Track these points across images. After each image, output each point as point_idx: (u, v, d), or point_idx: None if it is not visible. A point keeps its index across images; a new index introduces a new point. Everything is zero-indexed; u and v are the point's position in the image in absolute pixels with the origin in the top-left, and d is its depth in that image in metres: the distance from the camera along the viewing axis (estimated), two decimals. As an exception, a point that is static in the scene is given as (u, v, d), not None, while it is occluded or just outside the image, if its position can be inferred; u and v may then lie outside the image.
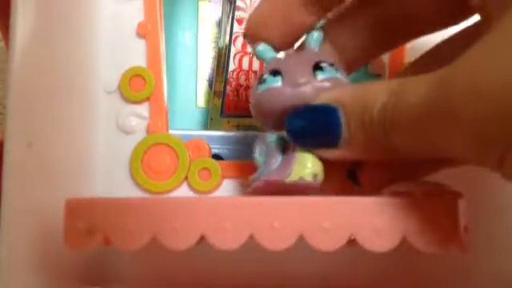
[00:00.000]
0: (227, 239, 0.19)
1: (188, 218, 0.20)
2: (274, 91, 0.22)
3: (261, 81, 0.23)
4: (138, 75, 0.30)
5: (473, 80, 0.15)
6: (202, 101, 0.35)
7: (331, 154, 0.21)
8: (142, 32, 0.31)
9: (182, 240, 0.20)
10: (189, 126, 0.35)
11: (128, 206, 0.21)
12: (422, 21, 0.24)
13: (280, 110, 0.22)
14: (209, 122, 0.34)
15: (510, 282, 0.27)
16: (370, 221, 0.19)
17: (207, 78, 0.35)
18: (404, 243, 0.19)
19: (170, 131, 0.30)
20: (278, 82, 0.22)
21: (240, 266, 0.27)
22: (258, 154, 0.24)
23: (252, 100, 0.23)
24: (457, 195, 0.20)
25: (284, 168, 0.22)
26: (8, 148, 0.24)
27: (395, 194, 0.20)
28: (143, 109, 0.30)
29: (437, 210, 0.19)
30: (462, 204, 0.20)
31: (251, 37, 0.24)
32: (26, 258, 0.24)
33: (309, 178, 0.22)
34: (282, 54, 0.24)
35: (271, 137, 0.23)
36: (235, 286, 0.26)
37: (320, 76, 0.22)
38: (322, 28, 0.24)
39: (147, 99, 0.30)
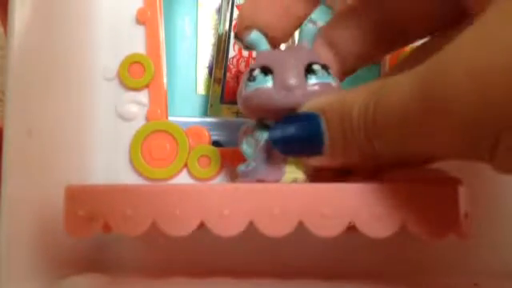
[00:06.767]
0: (227, 226, 0.20)
1: (188, 205, 0.20)
2: (263, 92, 0.22)
3: (250, 78, 0.22)
4: (138, 62, 0.30)
5: (467, 66, 0.15)
6: (201, 88, 0.35)
7: (317, 161, 0.21)
8: (142, 18, 0.30)
9: (181, 226, 0.20)
10: (188, 112, 0.35)
11: (128, 193, 0.21)
12: (421, 24, 0.24)
13: (269, 110, 0.22)
14: (209, 109, 0.34)
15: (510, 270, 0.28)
16: (370, 207, 0.19)
17: (207, 65, 0.35)
18: (403, 230, 0.19)
19: (170, 118, 0.30)
20: (268, 83, 0.22)
21: (240, 252, 0.28)
22: (245, 145, 0.24)
23: (240, 96, 0.23)
24: (457, 182, 0.20)
25: (276, 168, 0.22)
26: (7, 135, 0.23)
27: (395, 180, 0.20)
28: (143, 96, 0.30)
29: (437, 196, 0.19)
30: (462, 191, 0.20)
31: (246, 25, 0.23)
32: (27, 246, 0.24)
33: (301, 178, 0.22)
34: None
35: (262, 134, 0.23)
36: (235, 271, 0.27)
37: (312, 80, 0.22)
38: (320, 31, 0.24)
39: (147, 86, 0.30)
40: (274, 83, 0.22)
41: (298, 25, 0.24)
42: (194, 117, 0.34)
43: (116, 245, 0.29)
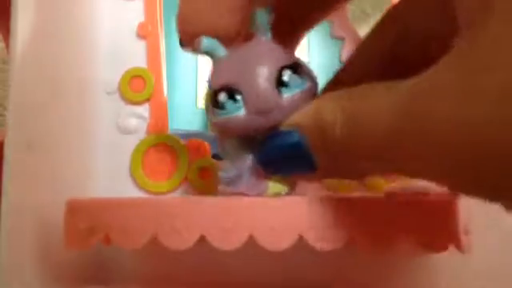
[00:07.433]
0: (227, 239, 0.20)
1: (188, 218, 0.20)
2: (237, 121, 0.20)
3: (218, 105, 0.20)
4: (138, 76, 0.30)
5: (452, 116, 0.13)
6: (202, 102, 0.35)
7: (312, 178, 0.20)
8: (143, 33, 0.31)
9: (182, 240, 0.20)
10: (189, 126, 0.35)
11: (128, 206, 0.21)
12: None
13: (246, 134, 0.21)
14: (209, 124, 0.34)
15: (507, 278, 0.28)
16: (369, 221, 0.19)
17: (207, 79, 0.35)
18: (401, 244, 0.19)
19: (170, 132, 0.30)
20: (239, 110, 0.20)
21: (241, 264, 0.28)
22: (226, 151, 0.22)
23: (211, 122, 0.21)
24: (456, 196, 0.20)
25: (257, 182, 0.21)
26: (8, 149, 0.24)
27: (394, 195, 0.20)
28: (143, 109, 0.30)
29: (436, 210, 0.19)
30: (461, 205, 0.20)
31: (189, 34, 0.20)
32: (27, 259, 0.24)
33: (283, 193, 0.22)
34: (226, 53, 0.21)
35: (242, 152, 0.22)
36: (236, 284, 0.27)
37: (286, 93, 0.19)
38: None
39: (147, 100, 0.30)
40: (247, 109, 0.20)
41: (248, 15, 0.20)
42: (195, 130, 0.34)
43: (117, 257, 0.29)
